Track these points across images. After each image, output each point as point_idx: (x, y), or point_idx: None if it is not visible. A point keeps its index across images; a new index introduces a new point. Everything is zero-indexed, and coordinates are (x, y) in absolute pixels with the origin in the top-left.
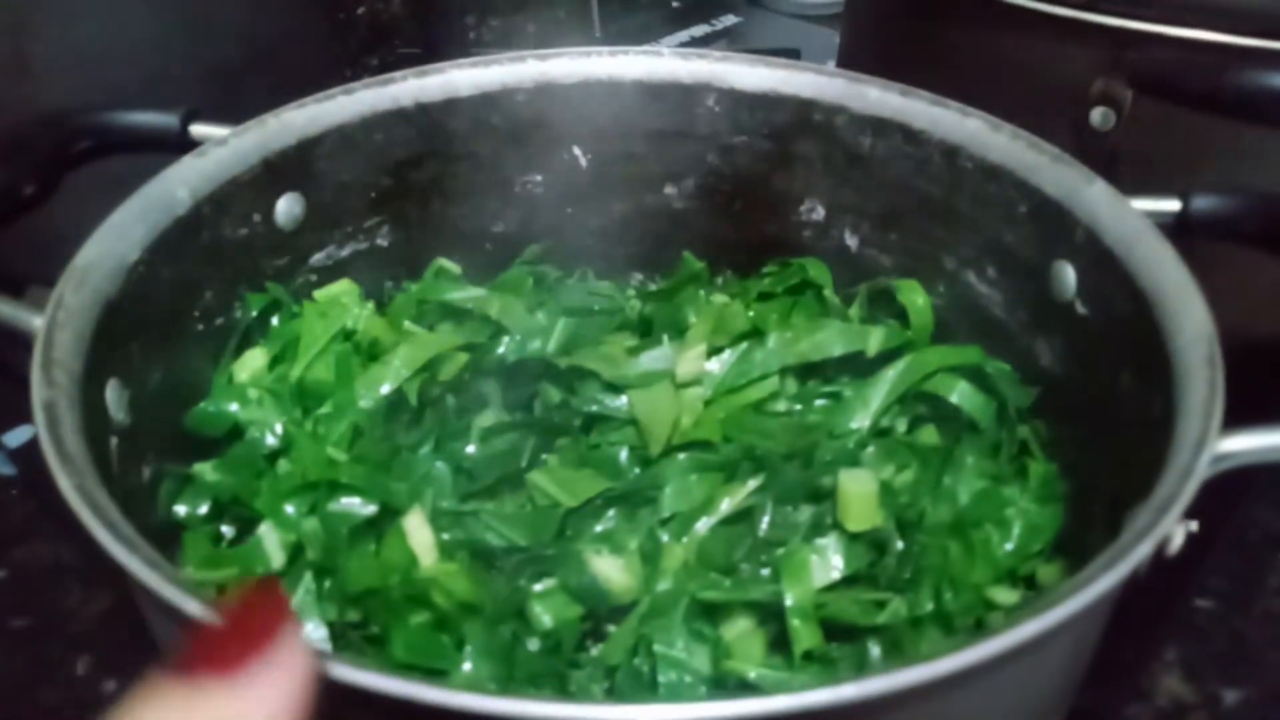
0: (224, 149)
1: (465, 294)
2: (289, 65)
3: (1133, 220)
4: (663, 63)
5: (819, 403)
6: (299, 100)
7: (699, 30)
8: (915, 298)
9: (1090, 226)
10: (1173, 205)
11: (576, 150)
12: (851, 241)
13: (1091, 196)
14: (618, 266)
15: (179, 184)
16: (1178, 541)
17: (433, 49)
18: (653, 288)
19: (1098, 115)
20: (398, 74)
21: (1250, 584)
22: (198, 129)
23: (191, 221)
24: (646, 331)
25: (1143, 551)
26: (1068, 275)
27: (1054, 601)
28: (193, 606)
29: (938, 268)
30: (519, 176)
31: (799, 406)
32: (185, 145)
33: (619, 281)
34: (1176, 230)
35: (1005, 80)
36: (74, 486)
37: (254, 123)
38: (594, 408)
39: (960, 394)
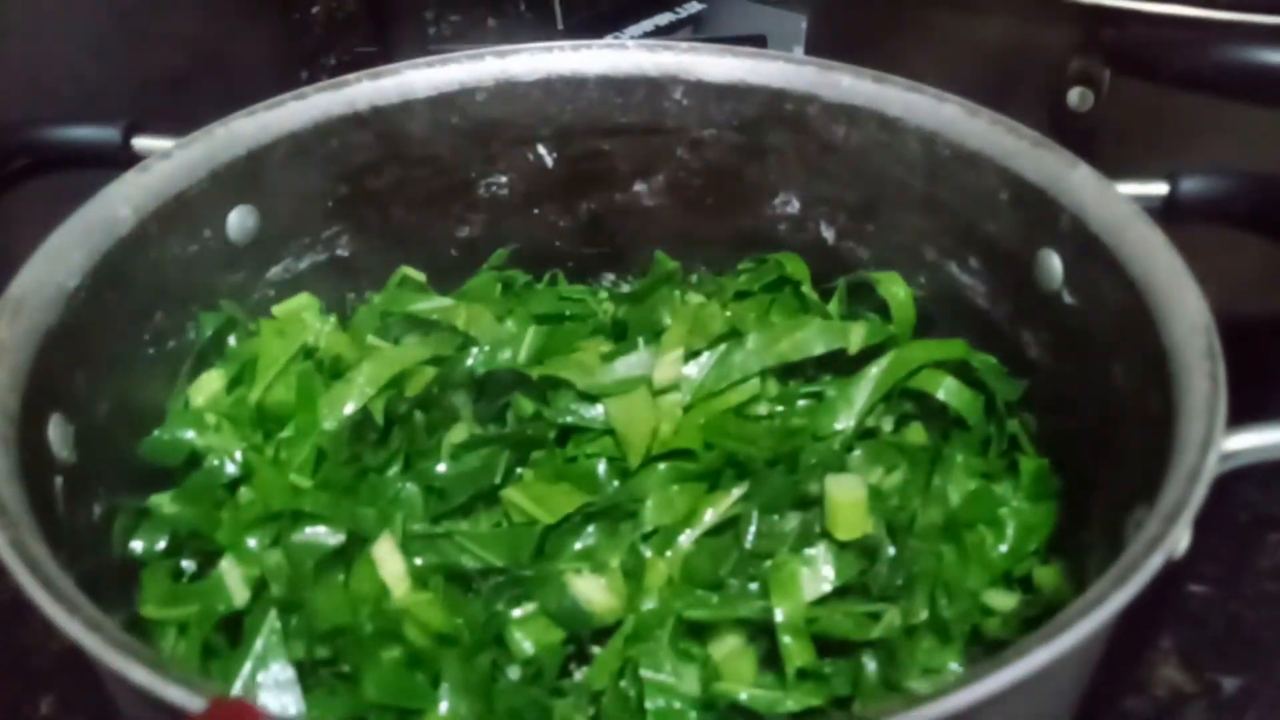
0: (169, 163)
1: (430, 304)
2: (240, 69)
3: (1120, 206)
4: (627, 55)
5: (802, 403)
6: (248, 108)
7: (663, 19)
8: (896, 290)
9: (1076, 213)
10: (1160, 189)
11: (541, 149)
12: (829, 234)
13: (1076, 182)
14: (590, 267)
15: (121, 202)
16: (1184, 545)
17: (391, 47)
18: (626, 288)
19: (1075, 96)
20: (351, 76)
21: (1242, 566)
22: (141, 142)
23: (136, 241)
24: (621, 336)
25: (1154, 564)
26: (1054, 264)
27: (1065, 625)
28: (137, 673)
29: (919, 259)
30: (482, 178)
31: (781, 408)
32: (128, 160)
33: (591, 283)
34: (1165, 214)
35: (979, 63)
36: (8, 541)
37: (200, 133)
38: (569, 419)
39: (946, 390)
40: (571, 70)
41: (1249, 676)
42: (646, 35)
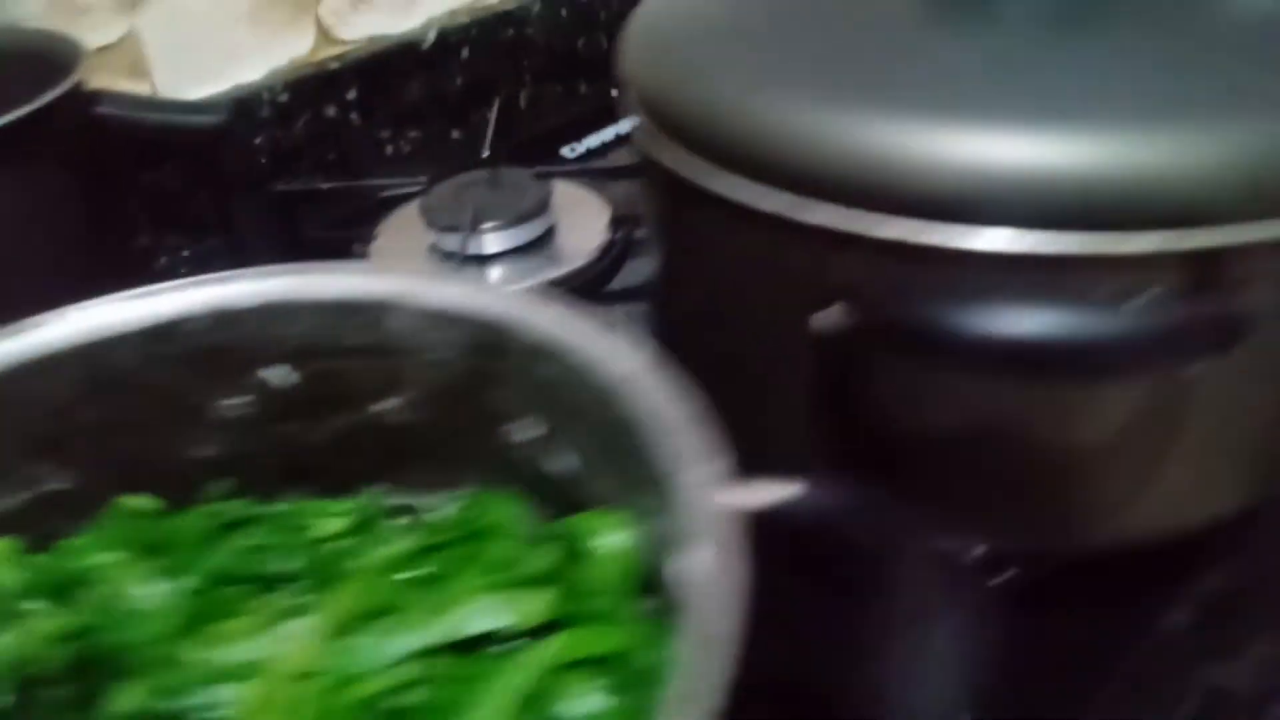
0: None
1: (89, 562)
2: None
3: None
4: (345, 281)
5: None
6: None
7: (609, 133)
8: (608, 540)
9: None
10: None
11: (272, 372)
12: (566, 466)
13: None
14: (346, 480)
15: None
16: None
17: (237, 233)
18: (394, 500)
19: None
20: (46, 316)
21: None
22: None
23: None
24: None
25: None
26: None
27: None
28: None
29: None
30: (211, 401)
31: (433, 694)
32: None
33: (358, 492)
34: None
35: (758, 287)
36: None
37: None
38: (196, 708)
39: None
40: (286, 296)
41: None
42: (591, 153)
